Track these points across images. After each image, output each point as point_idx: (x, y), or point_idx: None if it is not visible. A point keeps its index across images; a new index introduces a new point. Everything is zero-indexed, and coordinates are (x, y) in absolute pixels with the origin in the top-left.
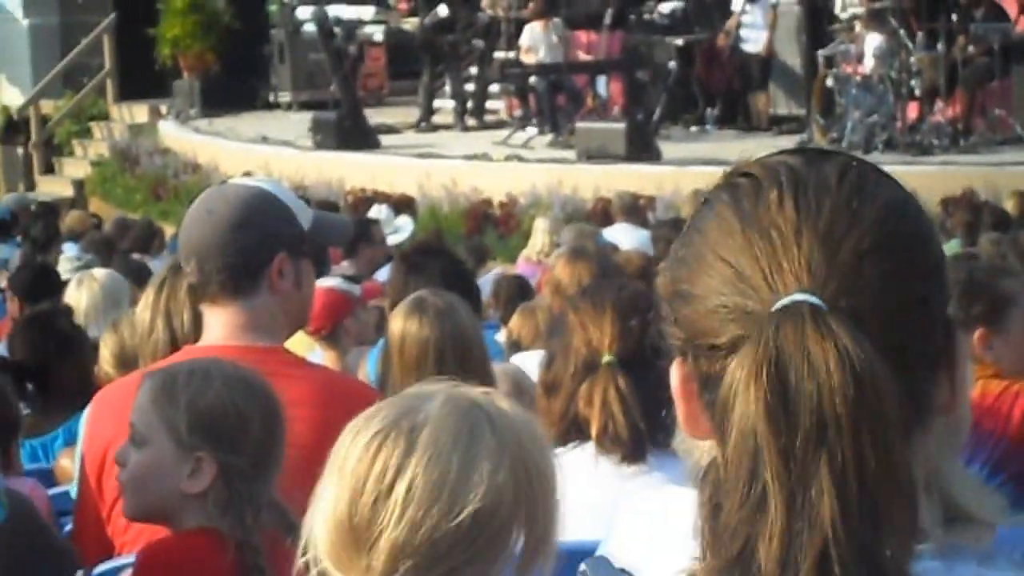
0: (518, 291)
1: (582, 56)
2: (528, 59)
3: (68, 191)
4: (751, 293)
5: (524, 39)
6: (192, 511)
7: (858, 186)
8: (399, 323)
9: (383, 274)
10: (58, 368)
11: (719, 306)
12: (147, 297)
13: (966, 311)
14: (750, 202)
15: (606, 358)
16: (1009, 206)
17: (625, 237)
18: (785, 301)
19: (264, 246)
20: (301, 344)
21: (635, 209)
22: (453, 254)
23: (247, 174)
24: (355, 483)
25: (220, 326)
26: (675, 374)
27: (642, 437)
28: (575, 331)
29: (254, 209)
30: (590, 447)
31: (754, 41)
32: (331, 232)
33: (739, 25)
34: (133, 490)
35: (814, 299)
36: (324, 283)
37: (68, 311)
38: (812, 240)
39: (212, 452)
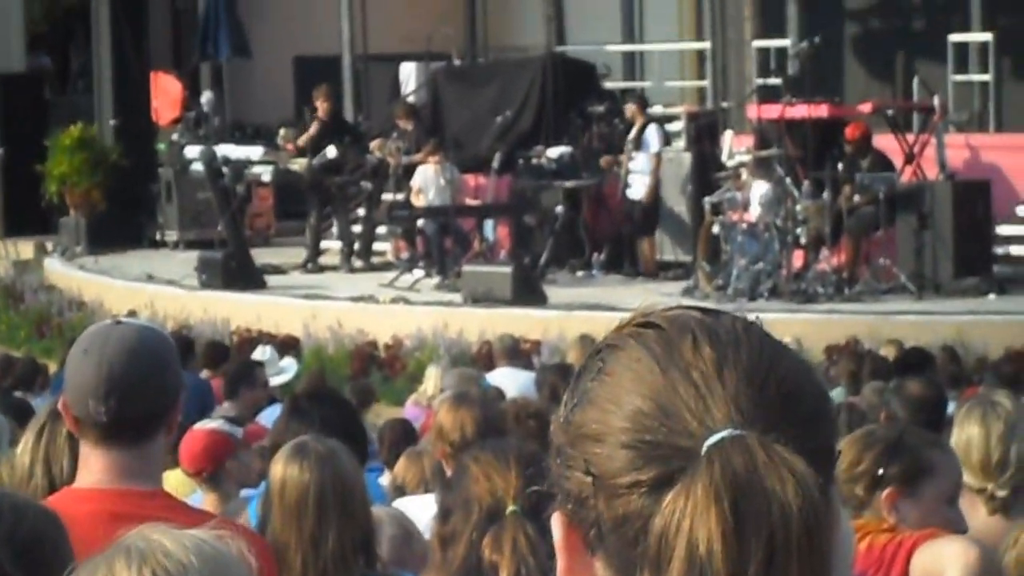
0: (403, 435)
1: (470, 200)
2: (417, 200)
3: None
4: (680, 429)
5: (416, 180)
6: None
7: (764, 337)
8: (280, 467)
9: (265, 417)
10: None
11: (639, 442)
12: (27, 441)
13: (884, 468)
14: (662, 347)
15: (511, 508)
16: (884, 353)
17: (509, 381)
18: (724, 434)
19: (174, 389)
20: (182, 485)
21: (516, 352)
22: (340, 399)
23: (132, 313)
24: None
25: (103, 469)
26: (557, 527)
27: None
28: (477, 481)
29: (169, 351)
30: None
31: (639, 187)
32: None
33: (627, 172)
34: None
35: (749, 433)
36: (206, 425)
37: None
38: (735, 381)
39: None
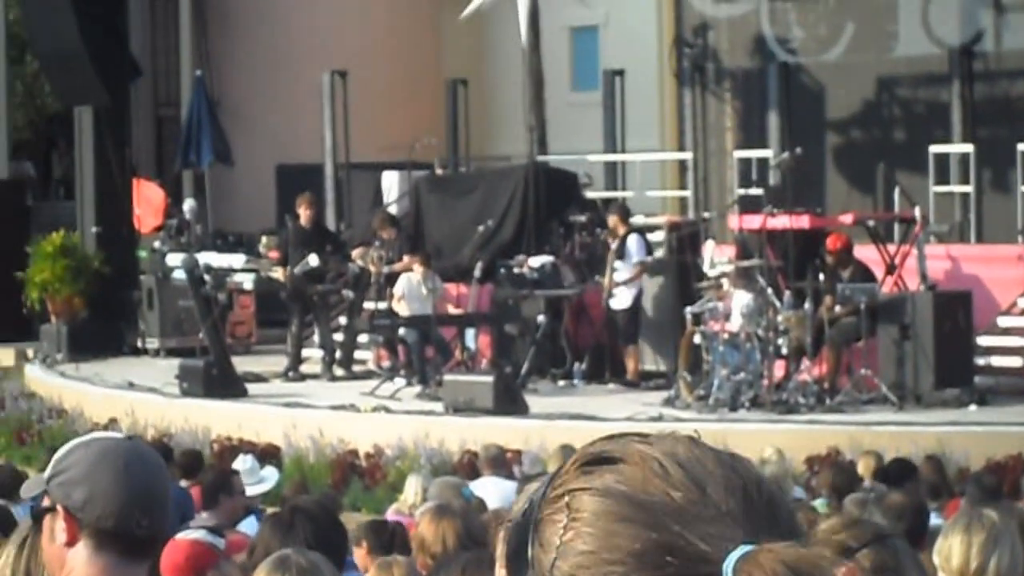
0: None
1: (451, 309)
2: (399, 308)
3: None
4: (691, 556)
5: (398, 287)
6: None
7: (713, 449)
8: None
9: (243, 526)
10: None
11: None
12: (7, 555)
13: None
14: (631, 482)
15: None
16: (861, 466)
17: (492, 491)
18: (741, 551)
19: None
20: None
21: (501, 461)
22: (323, 510)
23: (112, 421)
24: None
25: None
26: None
27: None
28: None
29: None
30: None
31: (623, 297)
32: None
33: (611, 282)
34: None
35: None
36: (188, 535)
37: None
38: (722, 495)
39: None
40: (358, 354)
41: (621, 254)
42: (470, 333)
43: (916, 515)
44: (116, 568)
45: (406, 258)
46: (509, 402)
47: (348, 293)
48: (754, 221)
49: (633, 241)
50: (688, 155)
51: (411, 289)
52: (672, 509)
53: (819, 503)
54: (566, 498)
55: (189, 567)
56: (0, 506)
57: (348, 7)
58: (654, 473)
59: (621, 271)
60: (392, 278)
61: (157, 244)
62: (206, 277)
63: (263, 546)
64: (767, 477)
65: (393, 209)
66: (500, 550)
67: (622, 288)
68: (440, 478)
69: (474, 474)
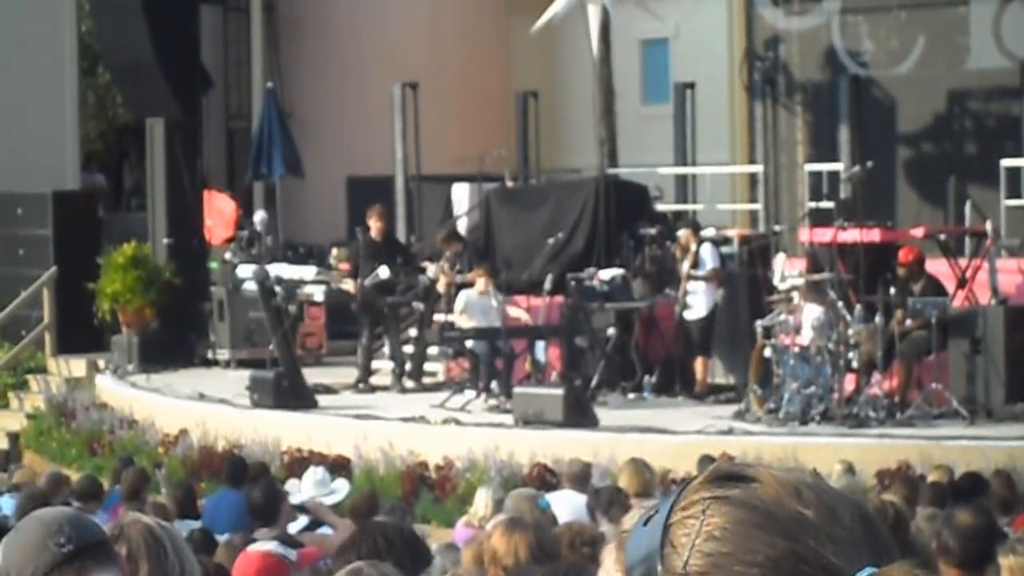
0: None
1: (513, 312)
2: (461, 322)
3: (2, 443)
4: (820, 569)
5: (459, 302)
6: None
7: (827, 484)
8: None
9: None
10: None
11: None
12: None
13: None
14: (767, 500)
15: None
16: (932, 477)
17: (564, 504)
18: (871, 570)
19: None
20: None
21: (585, 479)
22: (407, 531)
23: (183, 432)
24: None
25: None
26: None
27: None
28: None
29: None
30: None
31: (698, 307)
32: None
33: (685, 292)
34: None
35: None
36: (261, 547)
37: None
38: (852, 521)
39: None
40: (428, 366)
41: (695, 264)
42: (540, 345)
43: (985, 534)
44: None
45: (475, 270)
46: (579, 415)
47: (418, 305)
48: (825, 234)
49: (707, 250)
50: (759, 168)
51: (472, 303)
52: (806, 526)
53: None
54: (701, 505)
55: None
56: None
57: (418, 19)
58: (788, 493)
59: (697, 282)
60: (462, 289)
61: (228, 255)
62: (277, 289)
63: (344, 557)
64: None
65: (463, 222)
66: (615, 558)
67: (698, 298)
68: (516, 490)
69: (543, 487)
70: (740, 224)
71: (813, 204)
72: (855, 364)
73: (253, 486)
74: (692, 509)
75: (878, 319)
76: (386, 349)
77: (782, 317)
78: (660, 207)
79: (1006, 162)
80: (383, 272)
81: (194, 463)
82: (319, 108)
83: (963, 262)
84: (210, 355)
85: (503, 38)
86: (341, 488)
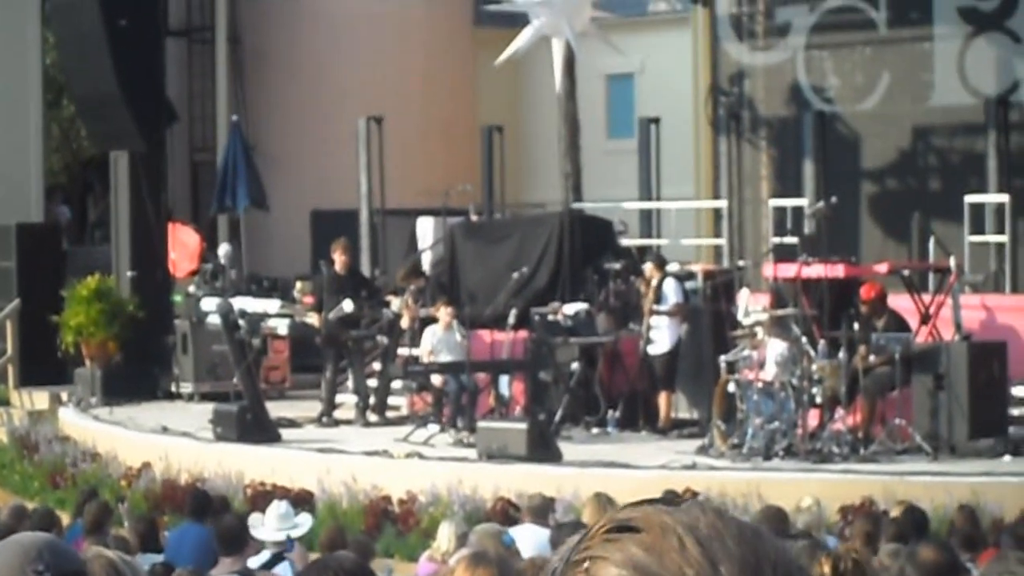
0: None
1: (485, 355)
2: (428, 359)
3: None
4: None
5: (425, 342)
6: None
7: (739, 522)
8: None
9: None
10: None
11: None
12: None
13: None
14: (648, 553)
15: None
16: (895, 512)
17: (528, 538)
18: None
19: None
20: None
21: (545, 512)
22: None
23: (146, 465)
24: None
25: None
26: None
27: None
28: None
29: None
30: None
31: (661, 342)
32: None
33: (648, 327)
34: None
35: None
36: None
37: None
38: (734, 574)
39: None
40: (392, 400)
41: (658, 299)
42: (504, 380)
43: (948, 571)
44: None
45: (437, 304)
46: (543, 449)
47: (382, 339)
48: (789, 270)
49: (670, 285)
50: (723, 203)
51: (439, 338)
52: None
53: None
54: (586, 564)
55: None
56: None
57: (384, 53)
58: (671, 547)
59: (660, 317)
60: (427, 324)
61: (192, 289)
62: (240, 322)
63: None
64: (790, 556)
65: (427, 255)
66: None
67: (662, 332)
68: (481, 525)
69: (507, 521)
70: (704, 259)
71: (777, 239)
72: (819, 400)
73: (223, 514)
74: (579, 568)
75: (842, 355)
76: (350, 383)
77: (746, 352)
78: (625, 242)
79: (970, 198)
80: (347, 306)
81: (157, 496)
82: (284, 141)
83: (927, 298)
84: (174, 388)
85: (468, 72)
86: (304, 522)
